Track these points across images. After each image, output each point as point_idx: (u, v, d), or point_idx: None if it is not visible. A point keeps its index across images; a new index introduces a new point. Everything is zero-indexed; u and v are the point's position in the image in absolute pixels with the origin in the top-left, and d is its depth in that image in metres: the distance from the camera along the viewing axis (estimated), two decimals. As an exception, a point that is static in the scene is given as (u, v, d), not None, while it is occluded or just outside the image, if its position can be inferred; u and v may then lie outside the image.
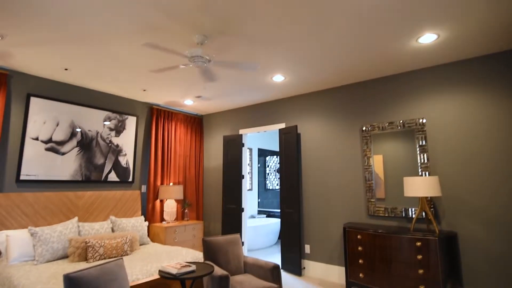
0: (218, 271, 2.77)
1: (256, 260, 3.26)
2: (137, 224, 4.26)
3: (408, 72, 3.77)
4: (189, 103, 5.31)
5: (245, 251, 5.17)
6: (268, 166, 8.00)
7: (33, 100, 3.91)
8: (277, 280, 3.01)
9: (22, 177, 3.75)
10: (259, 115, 5.31)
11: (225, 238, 3.39)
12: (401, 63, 3.52)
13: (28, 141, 3.83)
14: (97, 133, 4.52)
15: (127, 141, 4.89)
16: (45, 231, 3.38)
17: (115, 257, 3.50)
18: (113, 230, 4.09)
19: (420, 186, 3.09)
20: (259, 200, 7.51)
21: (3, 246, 3.35)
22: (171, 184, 5.32)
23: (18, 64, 3.59)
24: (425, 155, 3.52)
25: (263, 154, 7.88)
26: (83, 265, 3.17)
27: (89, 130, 4.43)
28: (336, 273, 4.06)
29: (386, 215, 3.69)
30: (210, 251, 3.22)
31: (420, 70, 3.69)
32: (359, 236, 3.43)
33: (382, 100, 3.96)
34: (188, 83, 4.24)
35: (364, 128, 4.03)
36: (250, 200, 7.13)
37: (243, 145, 5.40)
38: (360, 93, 4.16)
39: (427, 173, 3.47)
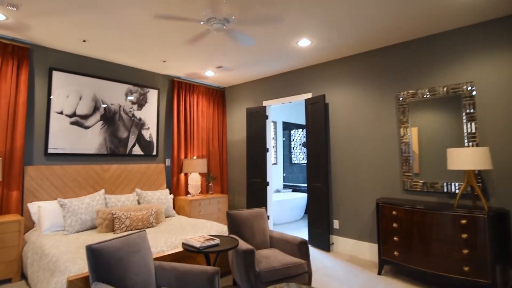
0: (243, 245, 2.67)
1: (282, 235, 3.13)
2: (162, 197, 4.26)
3: (453, 31, 3.29)
4: (210, 75, 5.10)
5: (270, 225, 5.10)
6: (293, 140, 7.75)
7: (56, 74, 3.87)
8: (305, 255, 2.87)
9: (50, 151, 3.80)
10: (283, 85, 5.01)
11: (250, 212, 3.28)
12: (445, 19, 3.05)
13: (53, 115, 3.84)
14: (120, 106, 4.47)
15: (149, 115, 4.82)
16: (74, 202, 3.43)
17: (141, 228, 3.52)
18: (139, 203, 4.11)
19: (467, 158, 2.74)
20: (284, 174, 7.36)
21: (36, 217, 3.46)
22: (194, 157, 5.26)
23: (38, 37, 3.52)
24: (472, 124, 3.12)
25: (288, 127, 7.62)
26: (110, 236, 3.20)
27: (111, 104, 4.38)
28: (367, 250, 3.87)
29: (425, 190, 3.38)
30: (234, 225, 3.13)
31: (466, 27, 3.19)
32: (394, 212, 3.17)
33: (422, 64, 3.52)
34: (208, 53, 4.00)
35: (400, 96, 3.64)
36: (275, 174, 6.99)
37: (267, 117, 5.17)
38: (396, 57, 3.73)
39: (474, 144, 3.09)
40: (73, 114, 4.01)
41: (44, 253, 2.78)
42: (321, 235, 4.22)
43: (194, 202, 4.72)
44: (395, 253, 3.13)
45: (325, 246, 4.14)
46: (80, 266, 2.38)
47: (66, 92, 3.96)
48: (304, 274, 2.76)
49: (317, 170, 4.33)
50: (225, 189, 5.76)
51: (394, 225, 3.16)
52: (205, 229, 3.44)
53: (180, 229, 3.43)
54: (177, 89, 5.11)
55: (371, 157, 3.91)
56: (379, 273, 3.33)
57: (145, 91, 4.78)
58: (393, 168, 3.71)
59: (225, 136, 5.87)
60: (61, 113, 3.91)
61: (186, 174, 5.17)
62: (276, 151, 7.08)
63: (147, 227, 3.58)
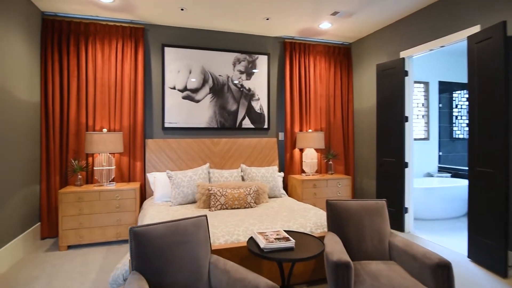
0: (335, 253, 1.82)
1: (409, 245, 2.04)
2: (268, 174, 3.81)
3: None
4: (326, 27, 4.11)
5: (409, 222, 3.80)
6: (456, 107, 5.64)
7: (167, 50, 3.99)
8: (443, 285, 1.73)
9: (166, 125, 4.01)
10: (429, 23, 3.43)
11: (361, 204, 2.32)
12: None
13: (167, 91, 4.00)
14: (228, 77, 4.24)
15: (259, 84, 4.40)
16: (178, 175, 3.46)
17: (237, 208, 3.20)
18: (243, 179, 3.83)
19: None
20: (440, 153, 5.49)
21: (153, 186, 3.72)
22: (310, 130, 4.51)
23: (147, 15, 3.63)
24: None
25: (447, 89, 5.56)
26: (205, 212, 3.03)
27: (219, 75, 4.21)
28: None
29: None
30: (335, 220, 2.28)
31: None
32: None
33: None
34: (312, -9, 3.09)
35: None
36: (425, 152, 5.29)
37: (405, 73, 3.75)
38: None
39: None
40: (184, 89, 4.07)
41: (143, 220, 2.85)
42: (491, 248, 2.69)
43: (307, 182, 4.04)
44: None
45: (498, 267, 2.61)
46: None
47: (177, 67, 4.03)
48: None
49: (487, 147, 2.74)
50: (350, 169, 4.75)
51: None
52: (302, 219, 2.74)
53: (275, 215, 2.88)
54: (289, 52, 4.43)
55: None
56: None
57: (254, 58, 4.36)
58: None
59: (351, 104, 4.78)
60: (174, 88, 4.03)
61: (301, 150, 4.52)
62: (427, 122, 5.32)
63: (244, 207, 3.22)
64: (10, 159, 2.84)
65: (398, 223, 3.81)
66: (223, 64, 4.21)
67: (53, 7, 3.41)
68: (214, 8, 3.48)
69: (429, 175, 5.31)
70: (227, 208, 3.17)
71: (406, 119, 3.78)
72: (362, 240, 2.21)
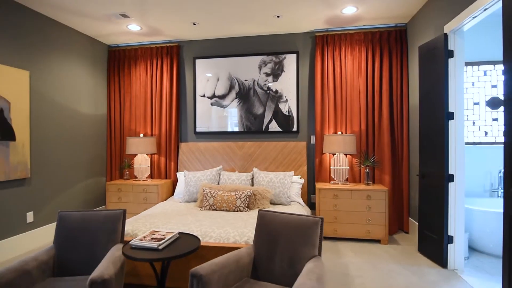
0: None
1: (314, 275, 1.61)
2: (276, 180, 3.60)
3: None
4: (352, 12, 3.52)
5: (454, 255, 2.75)
6: None
7: (198, 62, 4.41)
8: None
9: (197, 129, 4.43)
10: (475, -22, 2.42)
11: (285, 218, 2.00)
12: None
13: (198, 98, 4.42)
14: (254, 81, 4.27)
15: (287, 85, 4.20)
16: (189, 175, 3.79)
17: (225, 210, 3.22)
18: (252, 183, 3.77)
19: None
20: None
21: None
22: (339, 133, 3.93)
23: (176, 35, 4.16)
24: None
25: None
26: (197, 211, 3.20)
27: (245, 80, 4.30)
28: None
29: None
30: (261, 232, 2.04)
31: None
32: None
33: None
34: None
35: None
36: (490, 161, 3.61)
37: (448, 54, 2.78)
38: None
39: None
40: (213, 96, 4.38)
41: (149, 213, 3.29)
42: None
43: (325, 192, 3.57)
44: None
45: None
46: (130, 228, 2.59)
47: (206, 77, 4.39)
48: None
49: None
50: (403, 181, 3.83)
51: None
52: (249, 227, 2.52)
53: (241, 221, 2.76)
54: (320, 46, 4.03)
55: None
56: None
57: (281, 59, 4.21)
58: None
59: (406, 100, 3.85)
60: (204, 96, 4.41)
61: (334, 155, 4.01)
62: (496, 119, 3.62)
63: (233, 210, 3.21)
64: (78, 158, 3.92)
65: (438, 256, 2.84)
66: (248, 69, 4.28)
67: (114, 41, 4.43)
68: (223, 17, 3.63)
69: (495, 191, 3.58)
70: (215, 209, 3.25)
71: (451, 116, 2.78)
72: (271, 260, 1.89)
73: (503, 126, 1.90)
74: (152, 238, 1.85)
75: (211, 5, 3.33)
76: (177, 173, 4.29)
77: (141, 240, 1.82)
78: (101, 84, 4.48)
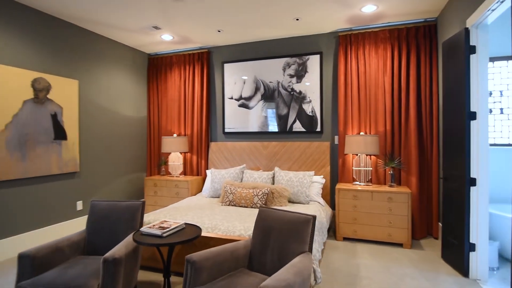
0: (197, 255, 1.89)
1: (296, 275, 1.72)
2: (295, 179, 3.69)
3: None
4: (371, 10, 3.45)
5: (476, 264, 2.58)
6: None
7: (226, 66, 4.67)
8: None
9: (226, 130, 4.69)
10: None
11: (280, 215, 2.12)
12: None
13: (226, 101, 4.68)
14: (278, 83, 4.39)
15: (310, 86, 4.24)
16: (215, 173, 4.06)
17: (243, 206, 3.42)
18: (273, 181, 3.90)
19: None
20: None
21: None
22: (361, 133, 3.85)
23: (206, 41, 4.47)
24: None
25: None
26: (218, 206, 3.45)
27: (270, 82, 4.44)
28: None
29: None
30: (259, 227, 2.19)
31: None
32: None
33: None
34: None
35: None
36: None
37: (470, 50, 2.62)
38: None
39: None
40: (240, 98, 4.60)
41: (175, 206, 3.65)
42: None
43: (344, 192, 3.56)
44: None
45: None
46: (152, 218, 2.97)
47: (234, 80, 4.62)
48: None
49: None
50: (432, 183, 3.64)
51: None
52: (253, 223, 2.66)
53: (251, 217, 2.93)
54: (343, 46, 4.00)
55: None
56: None
57: (304, 60, 4.26)
58: None
59: (435, 99, 3.64)
60: (231, 98, 4.65)
61: (356, 155, 3.95)
62: None
63: (250, 207, 3.39)
64: (121, 155, 4.45)
65: (460, 264, 2.69)
66: (273, 71, 4.41)
67: (152, 49, 4.90)
68: (243, 23, 3.83)
69: None
70: (234, 205, 3.46)
71: (473, 116, 2.61)
72: (263, 253, 2.03)
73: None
74: (160, 227, 2.11)
75: (231, 13, 3.54)
76: (206, 171, 4.59)
77: (150, 228, 2.09)
78: (141, 89, 4.99)
